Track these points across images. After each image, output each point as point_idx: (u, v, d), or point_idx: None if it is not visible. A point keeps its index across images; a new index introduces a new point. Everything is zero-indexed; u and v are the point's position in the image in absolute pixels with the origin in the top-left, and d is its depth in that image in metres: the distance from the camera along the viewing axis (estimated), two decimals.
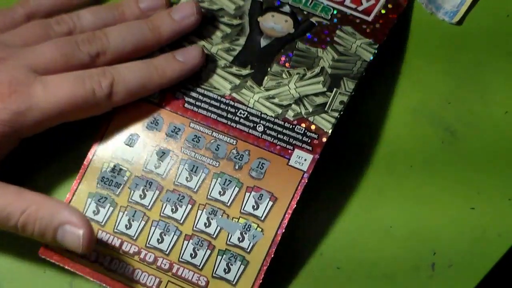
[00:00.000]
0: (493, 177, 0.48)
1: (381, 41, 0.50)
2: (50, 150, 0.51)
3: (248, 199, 0.47)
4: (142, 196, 0.47)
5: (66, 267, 0.47)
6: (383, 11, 0.51)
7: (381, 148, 0.50)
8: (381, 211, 0.48)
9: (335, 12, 0.51)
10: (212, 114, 0.48)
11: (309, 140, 0.47)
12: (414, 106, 0.50)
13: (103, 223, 0.47)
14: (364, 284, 0.47)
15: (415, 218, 0.48)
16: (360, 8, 0.51)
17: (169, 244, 0.47)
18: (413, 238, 0.48)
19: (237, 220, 0.47)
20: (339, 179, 0.49)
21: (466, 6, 0.52)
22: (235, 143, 0.48)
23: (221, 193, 0.47)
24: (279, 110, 0.48)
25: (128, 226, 0.47)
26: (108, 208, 0.47)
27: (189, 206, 0.47)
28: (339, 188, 0.49)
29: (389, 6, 0.51)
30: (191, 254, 0.47)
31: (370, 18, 0.51)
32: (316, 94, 0.48)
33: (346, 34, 0.50)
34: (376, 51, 0.49)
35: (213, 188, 0.47)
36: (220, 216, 0.47)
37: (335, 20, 0.51)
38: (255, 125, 0.48)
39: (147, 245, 0.47)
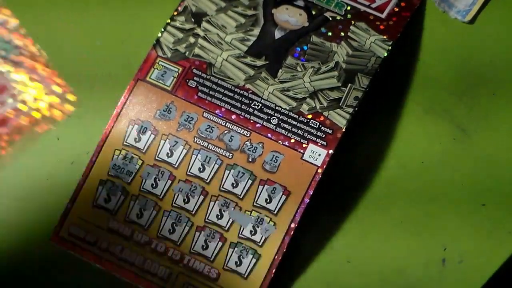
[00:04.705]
0: (505, 174, 0.49)
1: (395, 38, 0.50)
2: (61, 137, 0.50)
3: (261, 192, 0.46)
4: (154, 185, 0.47)
5: (77, 255, 0.46)
6: (396, 9, 0.51)
7: (392, 144, 0.50)
8: (392, 206, 0.49)
9: (348, 8, 0.51)
10: (226, 104, 0.48)
11: (324, 135, 0.47)
12: (426, 103, 0.51)
13: (114, 212, 0.46)
14: (374, 278, 0.47)
15: (426, 214, 0.48)
16: (373, 5, 0.51)
17: (181, 235, 0.46)
18: (424, 233, 0.48)
19: (249, 213, 0.46)
20: (351, 173, 0.49)
21: (479, 5, 0.52)
22: (248, 135, 0.47)
23: (234, 185, 0.47)
24: (294, 103, 0.48)
25: (139, 215, 0.46)
26: (119, 197, 0.46)
27: (201, 197, 0.46)
28: (351, 182, 0.49)
29: (402, 4, 0.51)
30: (202, 246, 0.46)
31: (383, 15, 0.51)
32: (331, 89, 0.48)
33: (360, 30, 0.50)
34: (390, 48, 0.49)
35: (226, 179, 0.47)
36: (233, 209, 0.46)
37: (349, 15, 0.51)
38: (269, 117, 0.47)
39: (159, 235, 0.46)
